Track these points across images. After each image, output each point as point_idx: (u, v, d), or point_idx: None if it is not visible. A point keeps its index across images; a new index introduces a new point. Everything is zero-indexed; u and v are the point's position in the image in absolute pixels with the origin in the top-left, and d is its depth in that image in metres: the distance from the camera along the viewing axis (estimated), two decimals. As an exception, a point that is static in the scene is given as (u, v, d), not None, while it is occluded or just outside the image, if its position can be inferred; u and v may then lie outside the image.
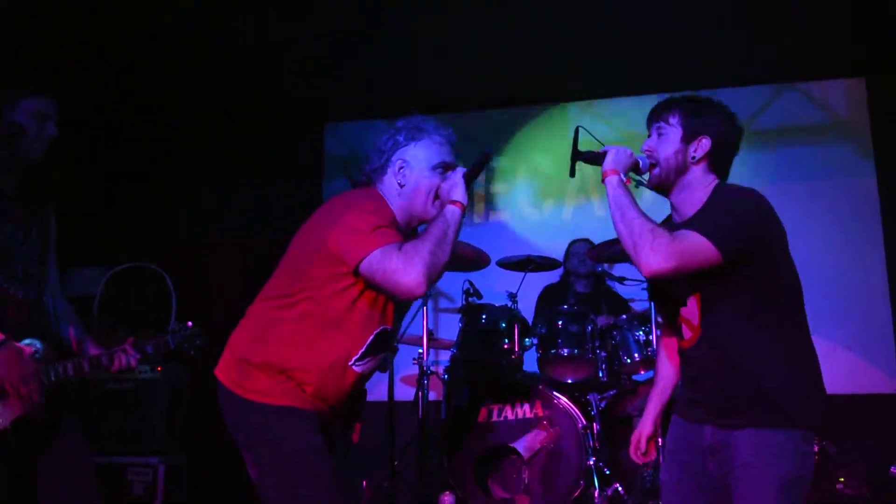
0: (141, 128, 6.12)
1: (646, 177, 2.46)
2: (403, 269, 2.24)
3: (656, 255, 2.16)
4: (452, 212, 2.43)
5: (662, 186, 2.43)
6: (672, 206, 2.47)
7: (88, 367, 2.72)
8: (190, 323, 2.97)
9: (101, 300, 5.37)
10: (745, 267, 2.21)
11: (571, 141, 2.50)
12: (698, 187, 2.37)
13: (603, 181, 2.38)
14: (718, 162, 2.39)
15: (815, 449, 2.27)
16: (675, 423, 2.48)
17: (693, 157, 2.36)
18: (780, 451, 2.17)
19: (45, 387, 2.62)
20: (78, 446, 2.80)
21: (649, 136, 2.45)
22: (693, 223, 2.28)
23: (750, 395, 2.24)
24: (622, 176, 2.36)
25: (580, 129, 2.50)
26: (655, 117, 2.44)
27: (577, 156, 2.47)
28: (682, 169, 2.38)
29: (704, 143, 2.35)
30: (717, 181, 2.38)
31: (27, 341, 2.65)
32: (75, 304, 2.99)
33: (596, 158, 2.44)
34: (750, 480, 2.19)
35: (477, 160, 2.53)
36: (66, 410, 2.79)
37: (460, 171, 2.52)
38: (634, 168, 2.42)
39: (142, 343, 2.84)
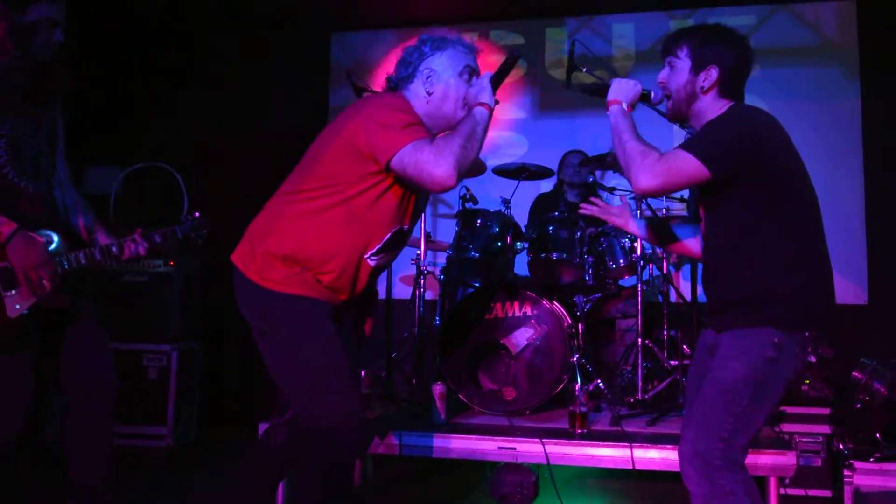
0: (154, 31, 5.97)
1: (662, 107, 2.49)
2: (435, 160, 2.22)
3: (645, 173, 2.23)
4: (480, 112, 2.41)
5: (677, 117, 2.46)
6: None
7: (100, 256, 2.70)
8: (197, 213, 2.93)
9: (117, 199, 5.32)
10: (740, 180, 2.23)
11: (568, 54, 2.55)
12: (711, 113, 2.37)
13: (607, 110, 2.42)
14: (729, 87, 2.39)
15: (809, 352, 2.28)
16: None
17: (702, 87, 2.37)
18: (742, 352, 2.22)
19: (59, 275, 2.60)
20: (95, 330, 2.82)
21: (663, 68, 2.46)
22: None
23: (734, 289, 2.29)
24: (624, 105, 2.40)
25: (577, 42, 2.56)
26: (666, 51, 2.45)
27: (573, 68, 2.52)
28: (692, 98, 2.40)
29: (713, 73, 2.35)
30: (730, 104, 2.38)
31: (44, 233, 2.63)
32: (93, 203, 2.95)
33: (601, 90, 2.49)
34: (708, 379, 2.26)
35: (504, 62, 2.50)
36: (84, 298, 2.79)
37: (487, 75, 2.49)
38: (644, 99, 2.45)
39: (150, 232, 2.81)
